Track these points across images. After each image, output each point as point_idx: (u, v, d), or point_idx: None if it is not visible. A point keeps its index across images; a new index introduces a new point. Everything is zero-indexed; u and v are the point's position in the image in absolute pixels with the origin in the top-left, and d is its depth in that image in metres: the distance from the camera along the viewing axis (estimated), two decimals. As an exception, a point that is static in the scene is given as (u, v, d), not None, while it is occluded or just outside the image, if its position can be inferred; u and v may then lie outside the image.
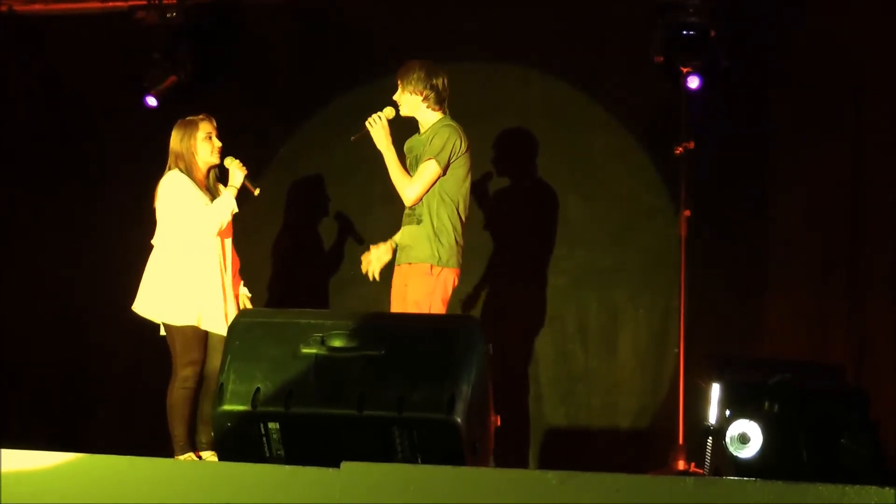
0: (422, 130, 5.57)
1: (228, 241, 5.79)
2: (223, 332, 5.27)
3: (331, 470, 3.33)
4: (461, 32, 6.84)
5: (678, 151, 6.08)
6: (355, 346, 3.72)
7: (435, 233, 5.39)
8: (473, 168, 5.59)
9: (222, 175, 5.88)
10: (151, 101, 7.06)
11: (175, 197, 5.67)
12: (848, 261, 6.35)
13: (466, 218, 5.53)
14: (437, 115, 5.53)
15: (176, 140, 5.76)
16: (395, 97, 5.55)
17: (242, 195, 5.79)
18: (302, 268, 7.18)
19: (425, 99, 5.50)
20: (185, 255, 5.63)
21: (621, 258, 6.68)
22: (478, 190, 6.49)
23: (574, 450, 6.61)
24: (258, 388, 3.67)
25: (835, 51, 6.35)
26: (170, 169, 5.74)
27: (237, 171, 5.79)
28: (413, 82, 5.48)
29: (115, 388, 7.23)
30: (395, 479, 3.30)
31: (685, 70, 6.19)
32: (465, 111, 5.72)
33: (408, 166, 5.54)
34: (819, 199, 6.41)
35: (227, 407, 3.67)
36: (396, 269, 5.55)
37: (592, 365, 6.67)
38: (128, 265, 6.08)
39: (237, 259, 5.88)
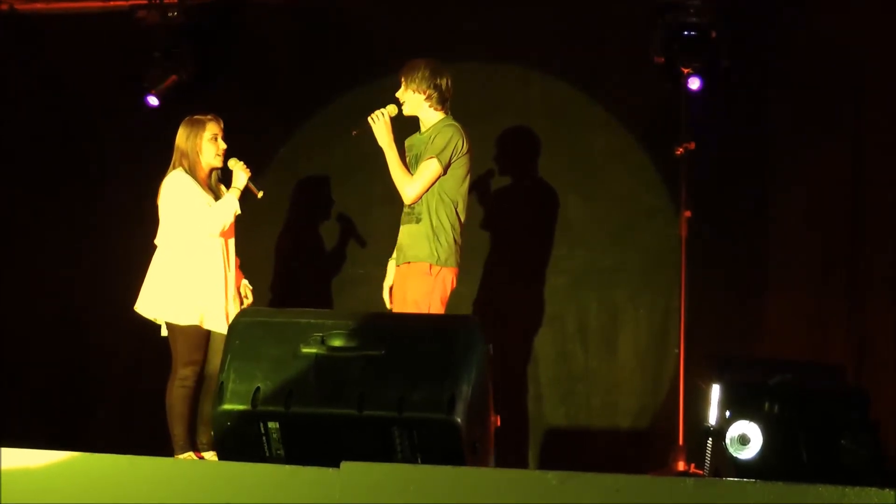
0: (423, 129, 5.56)
1: (231, 241, 5.79)
2: (226, 331, 5.27)
3: (331, 470, 3.33)
4: (461, 32, 6.84)
5: (679, 152, 6.08)
6: (355, 345, 3.72)
7: (434, 232, 5.39)
8: (473, 168, 5.59)
9: (225, 176, 5.88)
10: (153, 101, 7.06)
11: (178, 197, 5.67)
12: (848, 261, 6.35)
13: (465, 218, 5.53)
14: (440, 115, 5.53)
15: (182, 138, 5.76)
16: (397, 94, 5.55)
17: (244, 197, 5.79)
18: (303, 268, 7.18)
19: (428, 98, 5.50)
20: (188, 255, 5.64)
21: (621, 258, 6.68)
22: (478, 190, 6.49)
23: (574, 450, 6.61)
24: (258, 388, 3.67)
25: (835, 51, 6.35)
26: (173, 167, 5.75)
27: (241, 173, 5.79)
28: (417, 81, 5.48)
29: (115, 388, 7.23)
30: (395, 479, 3.30)
31: (686, 71, 6.19)
32: (465, 111, 5.72)
33: (407, 164, 5.54)
34: (819, 199, 6.41)
35: (227, 406, 3.67)
36: (396, 270, 5.55)
37: (592, 365, 6.67)
38: (128, 265, 6.08)
39: (237, 258, 5.88)
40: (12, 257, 7.30)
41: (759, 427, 3.93)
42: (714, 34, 6.21)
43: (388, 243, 5.68)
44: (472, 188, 5.78)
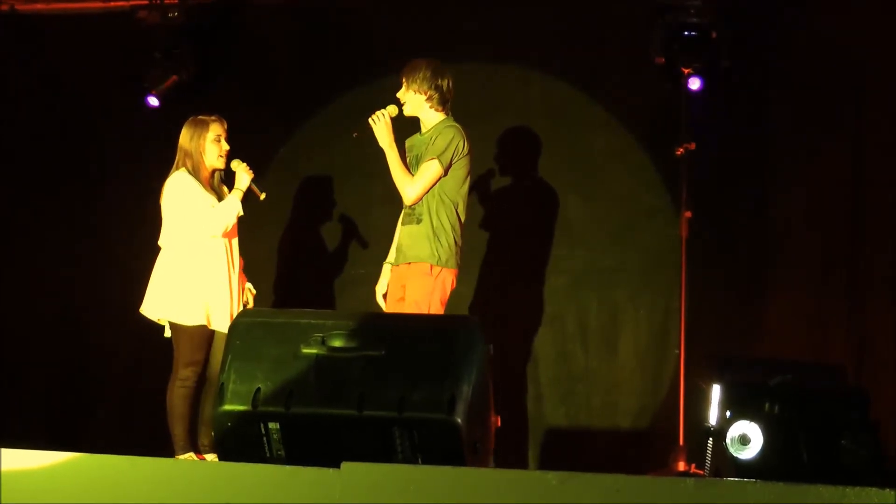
0: (423, 130, 5.56)
1: (235, 242, 5.80)
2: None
3: (331, 470, 3.33)
4: (461, 32, 6.84)
5: (679, 152, 6.08)
6: (356, 346, 3.72)
7: (434, 233, 5.39)
8: (473, 168, 5.59)
9: (228, 177, 5.88)
10: (153, 101, 7.06)
11: (181, 198, 5.68)
12: (848, 261, 6.35)
13: (465, 218, 5.53)
14: (440, 116, 5.53)
15: (185, 138, 5.76)
16: (398, 95, 5.55)
17: (246, 198, 5.79)
18: (304, 269, 7.18)
19: (429, 99, 5.50)
20: (192, 256, 5.64)
21: (621, 258, 6.68)
22: (478, 190, 6.49)
23: (574, 450, 6.61)
24: (259, 388, 3.67)
25: (835, 51, 6.35)
26: (177, 168, 5.75)
27: (244, 175, 5.79)
28: (418, 81, 5.48)
29: (115, 388, 7.23)
30: (395, 480, 3.30)
31: (686, 71, 6.19)
32: (465, 111, 5.72)
33: (408, 164, 5.54)
34: (819, 199, 6.41)
35: (227, 407, 3.67)
36: (393, 269, 5.55)
37: (592, 365, 6.67)
38: (128, 265, 6.09)
39: (241, 259, 5.88)
40: (12, 257, 7.30)
41: (760, 427, 3.92)
42: (714, 34, 6.21)
43: (389, 243, 5.68)
44: (473, 188, 5.78)
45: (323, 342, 3.73)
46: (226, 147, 5.78)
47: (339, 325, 3.76)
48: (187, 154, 5.74)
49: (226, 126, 5.80)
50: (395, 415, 3.56)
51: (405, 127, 5.63)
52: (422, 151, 5.49)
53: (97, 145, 7.37)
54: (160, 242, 5.73)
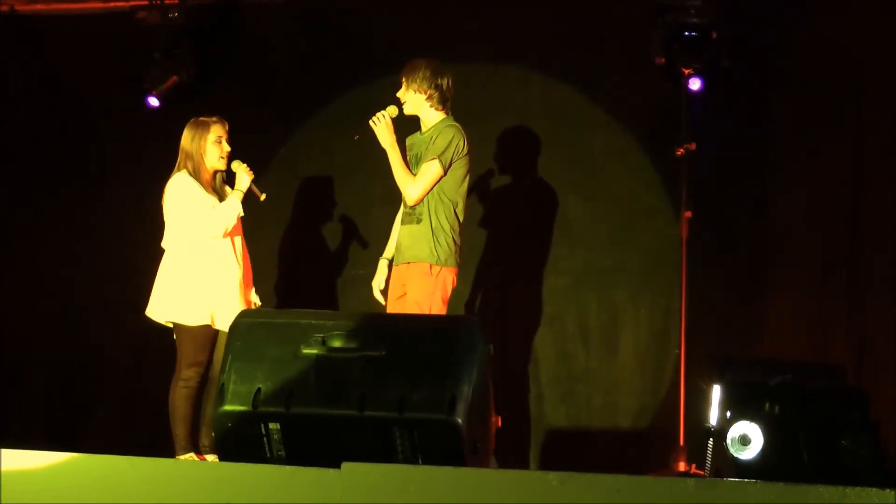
0: (423, 129, 5.57)
1: (238, 239, 5.80)
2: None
3: (331, 470, 3.33)
4: (461, 32, 6.84)
5: (679, 152, 6.08)
6: (356, 346, 3.72)
7: (433, 233, 5.40)
8: (473, 168, 5.59)
9: (229, 177, 5.88)
10: (153, 102, 7.06)
11: (182, 200, 5.68)
12: (848, 261, 6.35)
13: (464, 218, 5.53)
14: (440, 115, 5.54)
15: (187, 139, 5.77)
16: (398, 94, 5.55)
17: (246, 198, 5.79)
18: (305, 269, 7.17)
19: (429, 98, 5.51)
20: (195, 257, 5.64)
21: (621, 258, 6.68)
22: (478, 190, 6.49)
23: (574, 450, 6.61)
24: (259, 389, 3.67)
25: (835, 51, 6.35)
26: (178, 169, 5.75)
27: (244, 175, 5.79)
28: (418, 81, 5.49)
29: (115, 388, 7.23)
30: (395, 480, 3.30)
31: (686, 71, 6.19)
32: (465, 111, 5.72)
33: (408, 163, 5.55)
34: (819, 199, 6.41)
35: (227, 407, 3.68)
36: (393, 269, 5.55)
37: (593, 365, 6.67)
38: (128, 265, 6.09)
39: (249, 263, 5.87)
40: (12, 257, 7.30)
41: (760, 427, 3.92)
42: (714, 34, 6.21)
43: (390, 243, 5.69)
44: (472, 188, 5.78)
45: (323, 342, 3.73)
46: (227, 148, 5.79)
47: (339, 326, 3.76)
48: (188, 155, 5.75)
49: (227, 127, 5.81)
50: (395, 415, 3.56)
51: (406, 125, 5.63)
52: (422, 150, 5.49)
53: (97, 145, 7.37)
54: (163, 244, 5.73)
